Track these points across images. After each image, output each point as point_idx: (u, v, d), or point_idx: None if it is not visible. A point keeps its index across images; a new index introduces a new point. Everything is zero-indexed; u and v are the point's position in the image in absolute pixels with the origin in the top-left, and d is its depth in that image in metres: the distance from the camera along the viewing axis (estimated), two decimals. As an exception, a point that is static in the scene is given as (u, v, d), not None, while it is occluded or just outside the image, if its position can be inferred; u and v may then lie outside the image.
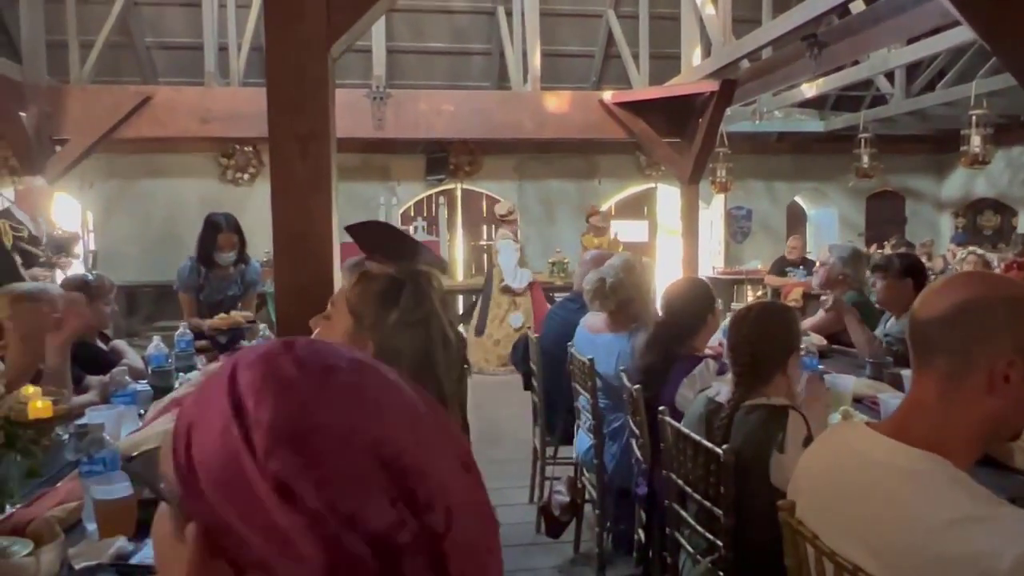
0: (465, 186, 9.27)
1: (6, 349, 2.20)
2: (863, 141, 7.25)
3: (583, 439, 3.18)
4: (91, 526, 1.64)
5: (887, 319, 3.56)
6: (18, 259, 4.34)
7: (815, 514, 1.19)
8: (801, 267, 7.13)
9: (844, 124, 8.18)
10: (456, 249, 9.26)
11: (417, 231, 8.43)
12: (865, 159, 7.21)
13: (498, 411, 5.30)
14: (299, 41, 1.90)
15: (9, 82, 5.58)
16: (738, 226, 9.59)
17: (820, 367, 2.96)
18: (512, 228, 7.31)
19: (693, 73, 6.01)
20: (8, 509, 1.68)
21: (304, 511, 0.44)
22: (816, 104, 8.31)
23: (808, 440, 1.75)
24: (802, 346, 2.28)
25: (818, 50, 4.81)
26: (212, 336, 3.73)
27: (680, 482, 2.09)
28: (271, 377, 0.48)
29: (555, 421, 3.56)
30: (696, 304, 2.65)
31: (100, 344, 3.28)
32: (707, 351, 2.77)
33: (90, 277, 3.30)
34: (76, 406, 2.24)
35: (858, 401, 2.66)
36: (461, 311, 7.66)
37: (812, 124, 8.74)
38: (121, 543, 1.55)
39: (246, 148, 8.58)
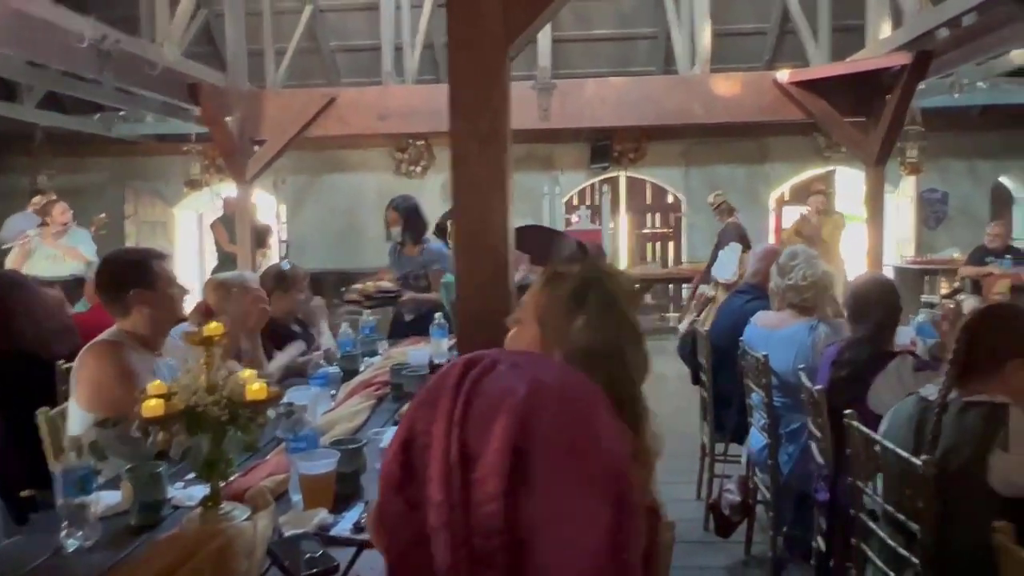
0: (629, 174, 9.16)
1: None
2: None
3: (756, 438, 3.06)
4: (296, 497, 1.81)
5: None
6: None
7: None
8: (1008, 256, 6.34)
9: (1064, 94, 7.19)
10: (619, 238, 9.19)
11: (581, 220, 8.45)
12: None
13: (663, 404, 5.21)
14: (478, 43, 1.96)
15: (217, 90, 6.24)
16: (932, 211, 8.69)
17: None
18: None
19: (881, 46, 5.52)
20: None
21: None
22: (1029, 72, 7.35)
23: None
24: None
25: (1034, 10, 4.24)
26: (359, 301, 4.37)
27: (868, 491, 1.95)
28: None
29: (725, 417, 3.46)
30: (891, 299, 2.49)
31: (295, 327, 3.59)
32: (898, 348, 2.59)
33: (286, 267, 3.60)
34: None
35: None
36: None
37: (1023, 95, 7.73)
38: (323, 515, 1.70)
39: (418, 143, 9.01)
